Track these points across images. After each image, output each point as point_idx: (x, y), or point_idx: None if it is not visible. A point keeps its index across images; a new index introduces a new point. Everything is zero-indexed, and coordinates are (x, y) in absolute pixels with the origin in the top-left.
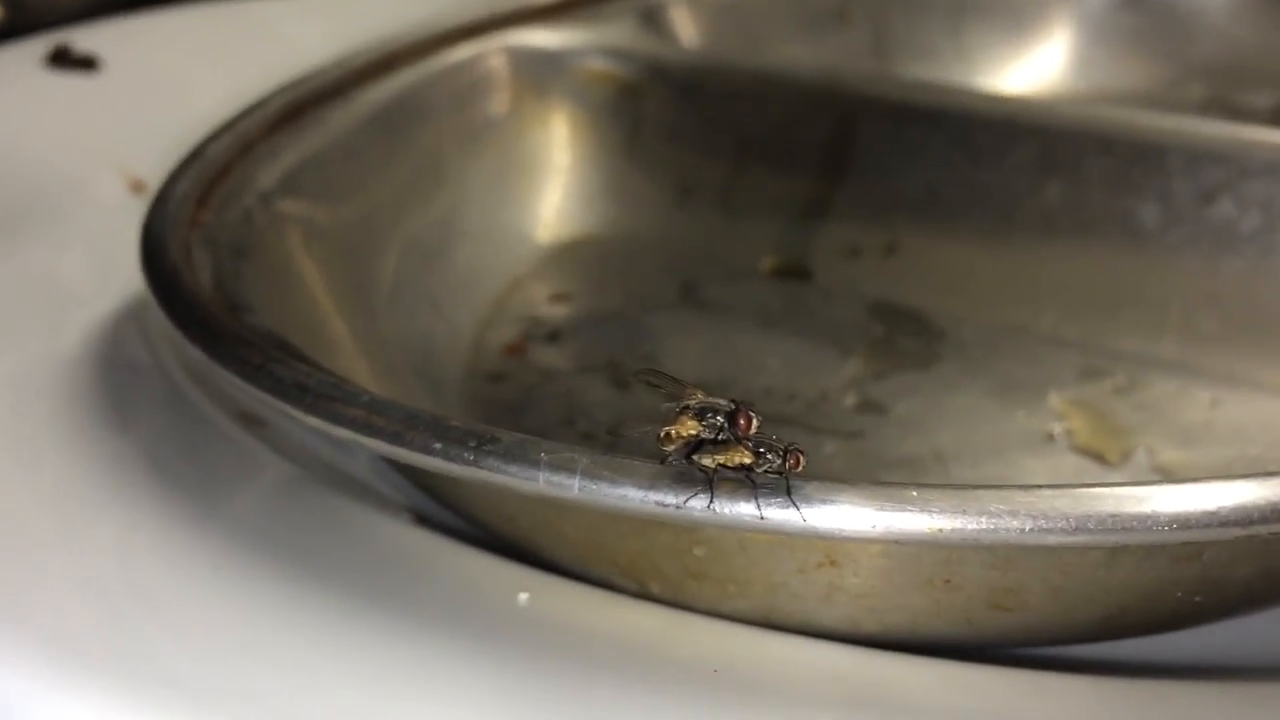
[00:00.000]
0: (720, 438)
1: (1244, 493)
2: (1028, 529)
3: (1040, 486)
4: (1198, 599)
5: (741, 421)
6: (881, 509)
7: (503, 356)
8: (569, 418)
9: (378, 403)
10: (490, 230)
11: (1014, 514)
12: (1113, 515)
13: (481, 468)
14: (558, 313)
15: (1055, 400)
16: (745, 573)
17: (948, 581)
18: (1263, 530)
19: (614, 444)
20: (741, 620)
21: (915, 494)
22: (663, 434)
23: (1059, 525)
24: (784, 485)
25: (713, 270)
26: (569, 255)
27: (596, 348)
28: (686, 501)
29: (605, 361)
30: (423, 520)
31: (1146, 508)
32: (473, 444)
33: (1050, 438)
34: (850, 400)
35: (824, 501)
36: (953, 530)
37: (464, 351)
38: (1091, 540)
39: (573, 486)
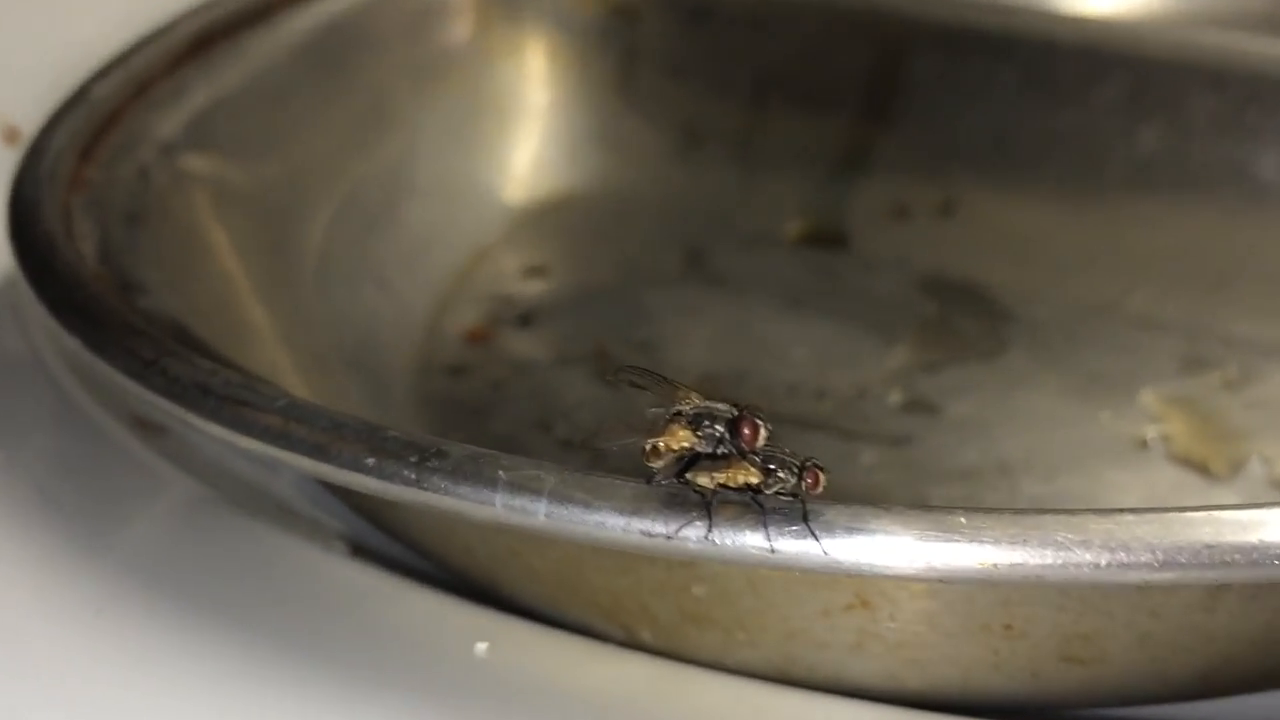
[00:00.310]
0: (720, 451)
1: None
2: (1104, 564)
3: (1120, 511)
4: None
5: (746, 431)
6: (922, 539)
7: (464, 345)
8: (544, 421)
9: (297, 407)
10: (449, 188)
11: (1087, 544)
12: (1210, 546)
13: (425, 489)
14: (533, 290)
15: (1149, 398)
16: (756, 617)
17: (1008, 627)
18: None
19: (595, 458)
20: (752, 674)
21: (964, 520)
22: (649, 447)
23: (1143, 559)
24: (799, 510)
25: (726, 236)
26: (547, 219)
27: (581, 333)
28: (679, 531)
29: (591, 350)
30: (360, 551)
31: (1254, 536)
32: (414, 459)
33: (1143, 445)
34: (895, 398)
35: (850, 530)
36: (1011, 566)
37: (416, 339)
38: (1185, 577)
39: (538, 512)
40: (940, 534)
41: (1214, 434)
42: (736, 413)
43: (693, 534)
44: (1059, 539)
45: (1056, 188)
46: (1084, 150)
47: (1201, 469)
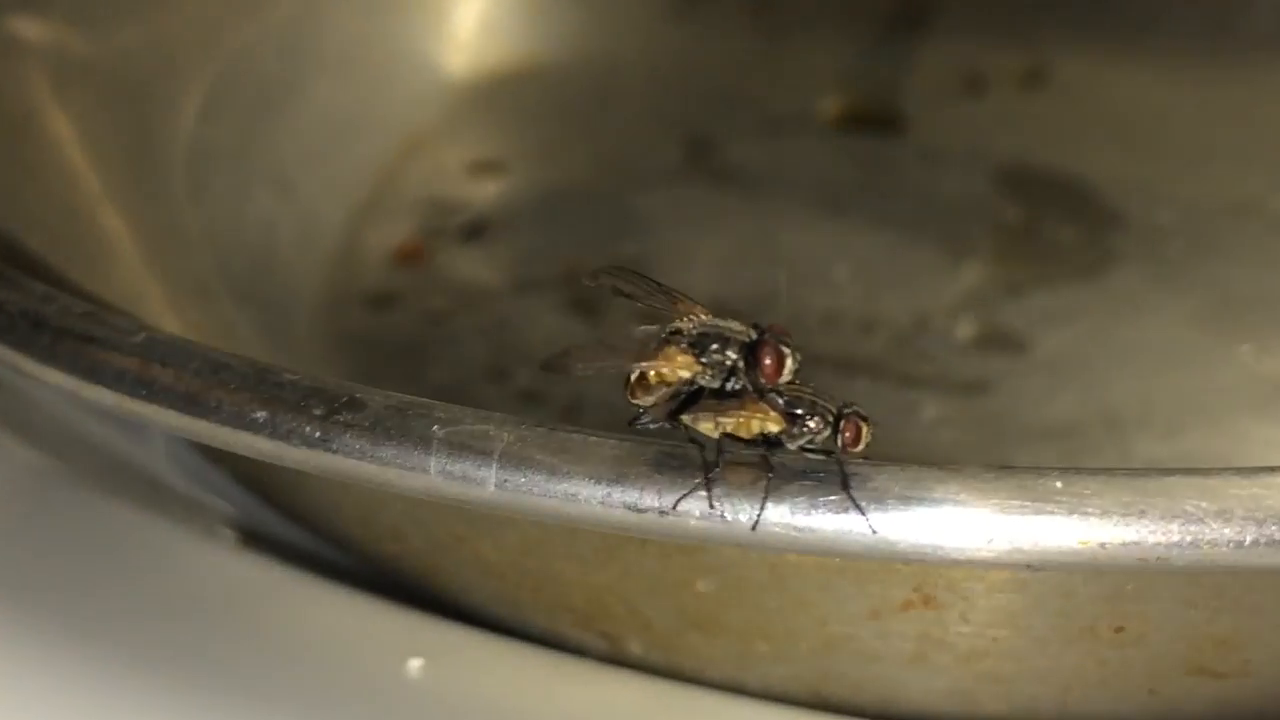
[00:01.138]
0: (731, 387)
1: None
2: (1249, 541)
3: (1272, 470)
4: None
5: (767, 360)
6: (1004, 511)
7: (391, 266)
8: (499, 367)
9: (161, 344)
10: (367, 57)
11: (1226, 516)
12: None
13: (334, 451)
14: (483, 193)
15: None
16: (783, 621)
17: (1119, 630)
18: None
19: (567, 408)
20: (780, 697)
21: (1060, 484)
22: (634, 375)
23: None
24: (837, 471)
25: (741, 119)
26: (501, 97)
27: (546, 250)
28: (678, 503)
29: (559, 272)
30: (254, 539)
31: None
32: (319, 411)
33: None
34: (966, 331)
35: (907, 500)
36: (1123, 546)
37: (327, 259)
38: None
39: (486, 481)
40: (1028, 504)
41: None
42: (757, 335)
43: (697, 507)
44: (1189, 509)
45: (1175, 51)
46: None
47: None
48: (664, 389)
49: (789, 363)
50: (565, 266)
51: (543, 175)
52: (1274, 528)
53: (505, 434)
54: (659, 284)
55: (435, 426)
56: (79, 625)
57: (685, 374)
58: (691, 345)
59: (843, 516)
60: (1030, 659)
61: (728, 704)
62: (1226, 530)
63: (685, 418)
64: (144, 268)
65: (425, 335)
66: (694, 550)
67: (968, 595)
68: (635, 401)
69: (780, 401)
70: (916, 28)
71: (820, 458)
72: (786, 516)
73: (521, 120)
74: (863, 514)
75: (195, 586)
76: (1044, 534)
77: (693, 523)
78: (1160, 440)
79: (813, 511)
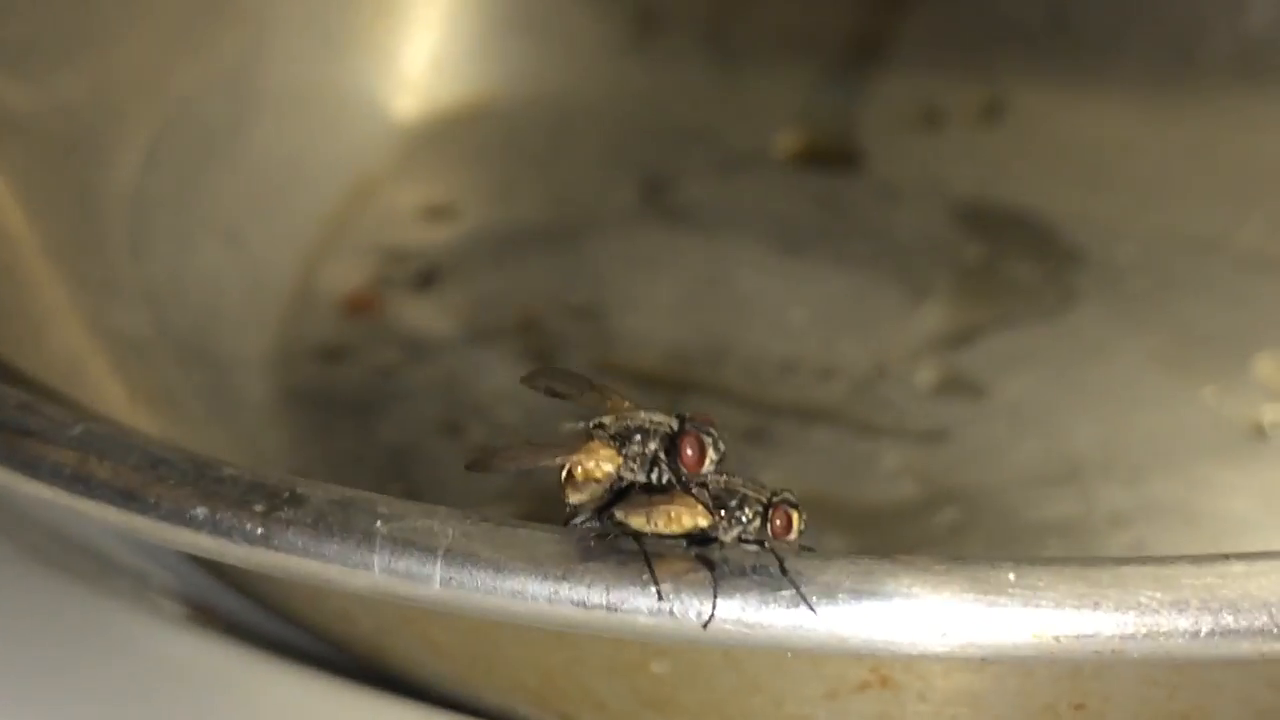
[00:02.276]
0: (657, 480)
1: None
2: (1205, 632)
3: (1225, 558)
4: None
5: (688, 451)
6: (957, 603)
7: (342, 317)
8: (451, 422)
9: (98, 437)
10: (315, 100)
11: (1181, 606)
12: None
13: (275, 549)
14: (435, 238)
15: (1267, 366)
16: (739, 701)
17: (1079, 707)
18: None
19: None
20: None
21: (1012, 576)
22: (565, 473)
23: (1259, 624)
24: (775, 561)
25: (696, 158)
26: (453, 139)
27: (501, 297)
28: (626, 601)
29: (514, 321)
30: (203, 614)
31: None
32: (260, 507)
33: (1259, 432)
34: (926, 377)
35: (857, 594)
36: (1078, 639)
37: (276, 312)
38: None
39: (431, 579)
40: (981, 597)
41: None
42: (678, 424)
43: (645, 604)
44: (1143, 600)
45: (1135, 84)
46: (1174, 31)
47: None
48: (594, 485)
49: (710, 453)
50: (518, 314)
51: (496, 218)
52: (1229, 617)
53: (450, 529)
54: (590, 382)
55: (378, 522)
56: (21, 706)
57: (609, 467)
58: (613, 438)
59: (793, 612)
60: None
61: None
62: (1181, 621)
63: (617, 513)
64: (84, 327)
65: (377, 389)
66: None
67: (925, 675)
68: (569, 500)
69: (707, 494)
70: (873, 61)
71: (752, 548)
72: (737, 613)
73: (473, 162)
74: (811, 609)
75: (142, 663)
76: (998, 627)
77: (641, 620)
78: (1123, 486)
79: (763, 607)
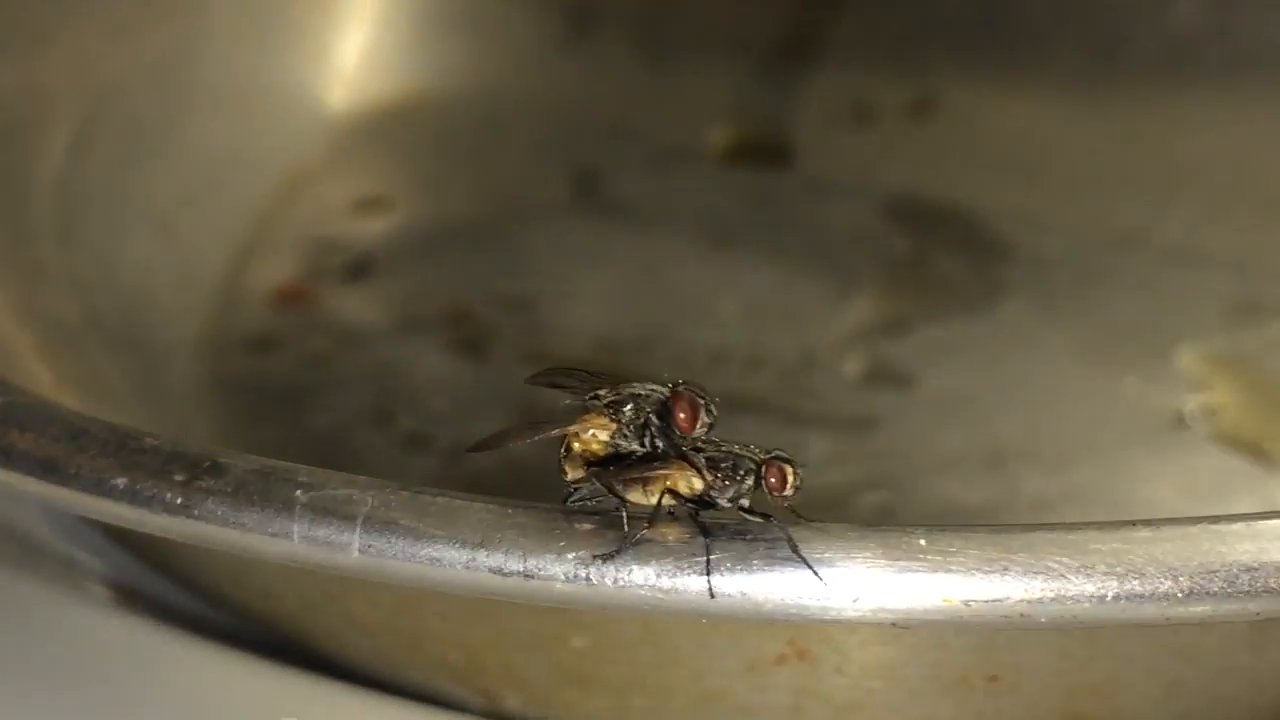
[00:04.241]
0: (651, 447)
1: None
2: (1111, 597)
3: (1131, 524)
4: None
5: (681, 414)
6: (868, 568)
7: (273, 308)
8: (384, 410)
9: (19, 408)
10: (246, 93)
11: (1088, 571)
12: (1251, 569)
13: (196, 518)
14: (367, 230)
15: (1188, 358)
16: (657, 675)
17: (993, 679)
18: None
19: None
20: None
21: (923, 541)
22: (564, 448)
23: (1163, 588)
24: (770, 525)
25: (627, 153)
26: (385, 133)
27: (432, 288)
28: (545, 566)
29: (446, 311)
30: (128, 597)
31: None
32: (180, 477)
33: (1179, 421)
34: (854, 367)
35: (770, 560)
36: (988, 604)
37: (207, 303)
38: (1219, 611)
39: (350, 547)
40: (892, 563)
41: (1272, 404)
42: (671, 390)
43: (562, 569)
44: (1051, 565)
45: (1062, 80)
46: (1101, 29)
47: (1256, 451)
48: (585, 454)
49: (703, 415)
50: (450, 305)
51: (428, 211)
52: (1135, 583)
53: (369, 498)
54: (589, 371)
55: (298, 491)
56: None
57: (604, 436)
58: (608, 407)
59: (787, 572)
60: (906, 709)
61: None
62: (1088, 586)
63: (612, 482)
64: (13, 316)
65: (307, 379)
66: (567, 610)
67: (841, 648)
68: (566, 477)
69: (701, 458)
70: (804, 58)
71: (757, 520)
72: (651, 579)
73: (406, 155)
74: (819, 579)
75: (68, 646)
76: (909, 592)
77: (558, 586)
78: (1047, 475)
79: (678, 574)
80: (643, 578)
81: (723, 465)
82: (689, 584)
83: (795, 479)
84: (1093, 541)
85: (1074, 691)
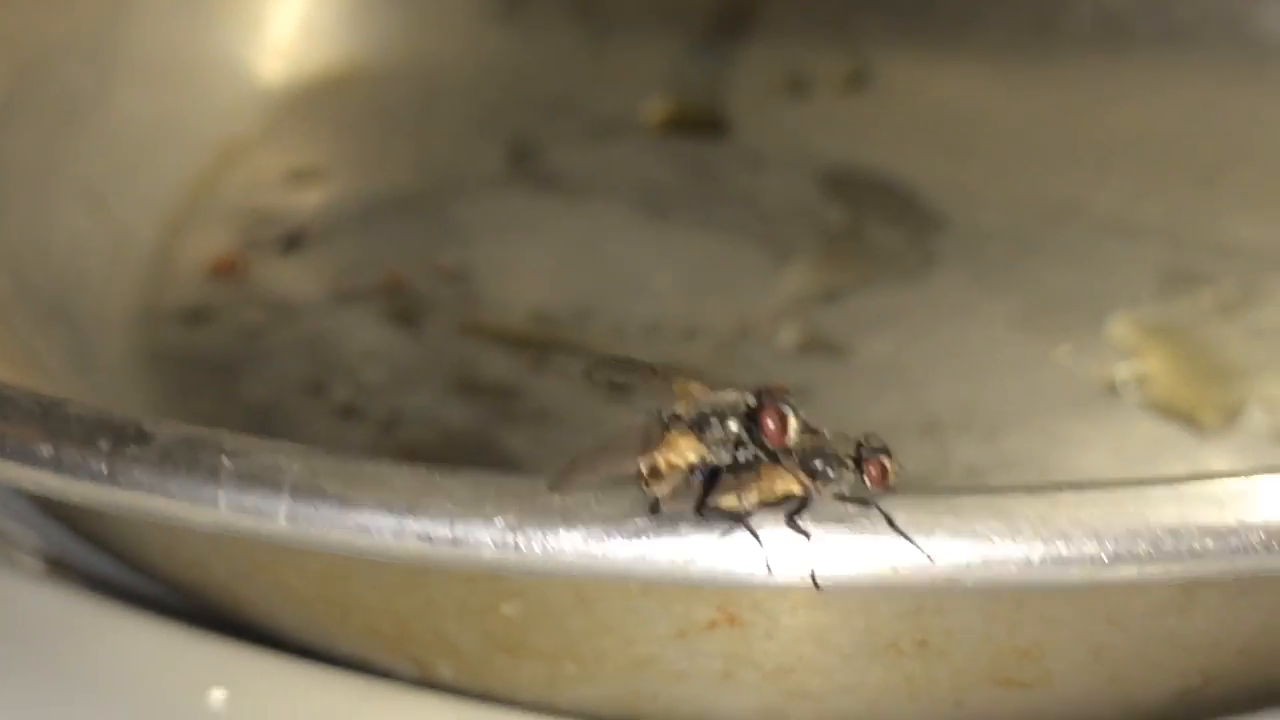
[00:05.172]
0: (744, 458)
1: None
2: (1038, 560)
3: (1057, 488)
4: None
5: (770, 425)
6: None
7: (207, 280)
8: (317, 381)
9: None
10: (179, 64)
11: (1015, 534)
12: (1176, 532)
13: (120, 486)
14: (302, 202)
15: (1121, 327)
16: (588, 642)
17: (922, 644)
18: None
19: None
20: (594, 717)
21: (851, 509)
22: (646, 468)
23: (1088, 551)
24: (877, 512)
25: (564, 124)
26: (320, 104)
27: (367, 259)
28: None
29: (381, 282)
30: (59, 567)
31: (1232, 515)
32: (106, 445)
33: (1111, 389)
34: (788, 337)
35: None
36: (914, 568)
37: (139, 274)
38: (1145, 574)
39: (277, 514)
40: (819, 526)
41: (1204, 372)
42: (755, 401)
43: (490, 536)
44: (978, 529)
45: (997, 51)
46: (1035, 0)
47: (1187, 419)
48: (678, 474)
49: (792, 421)
50: (385, 276)
51: (364, 183)
52: (1060, 546)
53: (296, 465)
54: (653, 368)
55: (224, 458)
56: None
57: (692, 457)
58: (692, 427)
59: (635, 542)
60: (837, 674)
61: None
62: (1015, 549)
63: (712, 500)
64: None
65: (240, 350)
66: (495, 578)
67: (771, 613)
68: (652, 493)
69: (794, 460)
70: (740, 30)
71: (857, 506)
72: (579, 544)
73: (342, 127)
74: (929, 558)
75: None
76: (836, 557)
77: (486, 553)
78: (979, 443)
79: (606, 539)
80: (570, 543)
81: (818, 467)
82: (616, 550)
83: (894, 467)
84: (1019, 505)
85: (1002, 655)
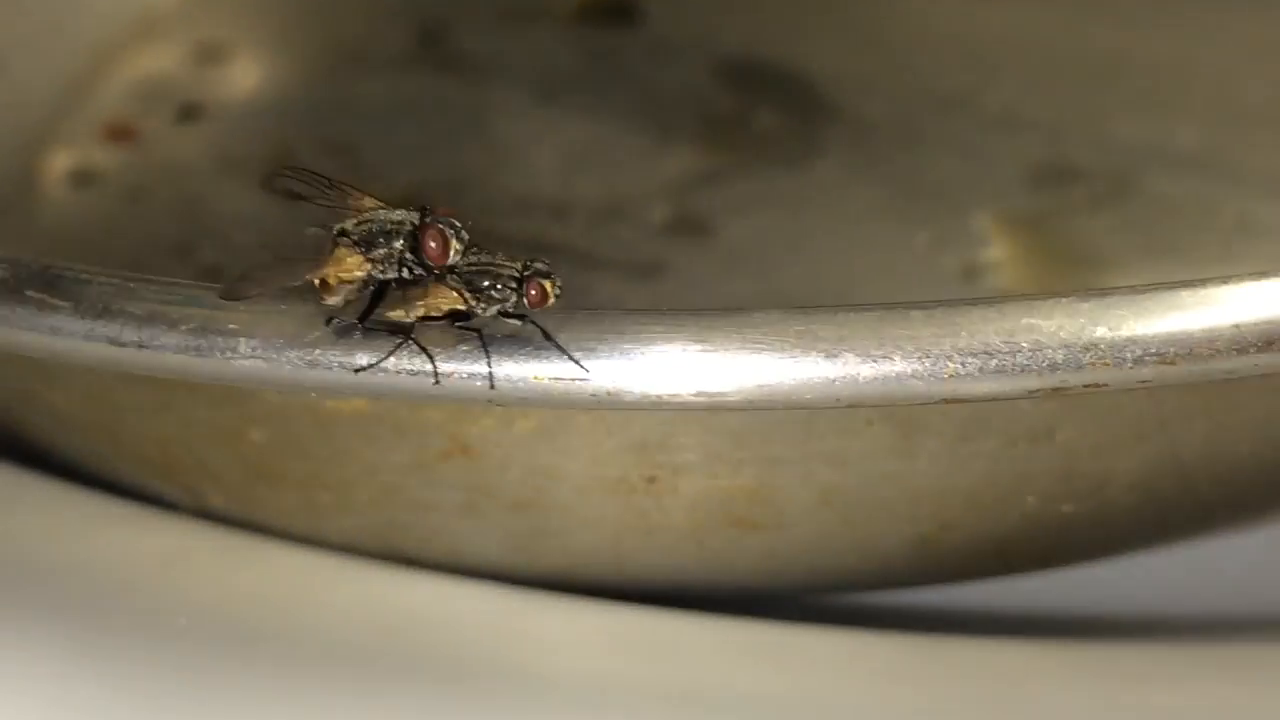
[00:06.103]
0: (408, 274)
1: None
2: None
3: (719, 311)
4: (1065, 509)
5: (432, 244)
6: (514, 360)
7: (99, 144)
8: (186, 243)
9: None
10: None
11: (681, 352)
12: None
13: None
14: (206, 77)
15: (985, 217)
16: (336, 470)
17: (652, 480)
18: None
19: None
20: (358, 551)
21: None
22: (316, 282)
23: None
24: (539, 332)
25: (478, 7)
26: None
27: (258, 133)
28: (157, 338)
29: (267, 154)
30: None
31: (934, 327)
32: None
33: (965, 276)
34: (658, 215)
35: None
36: (616, 391)
37: (33, 137)
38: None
39: None
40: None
41: (1061, 261)
42: (418, 219)
43: (174, 340)
44: (643, 348)
45: None
46: None
47: None
48: (348, 287)
49: (454, 243)
50: (272, 149)
51: (269, 60)
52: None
53: (3, 270)
54: (330, 180)
55: None
56: None
57: (358, 274)
58: (357, 244)
59: (311, 352)
60: (576, 509)
61: (301, 555)
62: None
63: (382, 312)
64: None
65: (121, 212)
66: (243, 399)
67: (501, 444)
68: (326, 303)
69: (459, 279)
70: None
71: (515, 323)
72: (257, 349)
73: (254, 6)
74: (584, 370)
75: None
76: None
77: (169, 357)
78: None
79: (285, 348)
80: (249, 348)
81: (482, 286)
82: (291, 358)
83: (555, 289)
84: (684, 324)
85: (732, 495)
